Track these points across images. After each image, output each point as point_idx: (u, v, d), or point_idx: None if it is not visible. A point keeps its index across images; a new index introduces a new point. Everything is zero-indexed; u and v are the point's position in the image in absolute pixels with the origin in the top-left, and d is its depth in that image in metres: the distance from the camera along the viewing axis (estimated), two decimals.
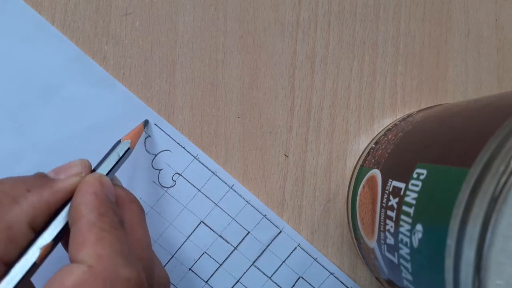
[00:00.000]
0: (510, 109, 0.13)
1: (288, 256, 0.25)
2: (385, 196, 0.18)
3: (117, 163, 0.21)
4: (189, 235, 0.25)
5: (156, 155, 0.25)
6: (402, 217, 0.16)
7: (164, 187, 0.25)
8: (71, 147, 0.25)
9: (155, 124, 0.25)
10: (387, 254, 0.18)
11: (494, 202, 0.12)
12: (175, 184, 0.25)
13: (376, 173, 0.20)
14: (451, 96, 0.26)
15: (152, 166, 0.25)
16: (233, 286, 0.25)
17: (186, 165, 0.25)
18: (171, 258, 0.25)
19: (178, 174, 0.25)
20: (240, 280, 0.25)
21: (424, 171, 0.16)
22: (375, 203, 0.19)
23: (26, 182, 0.18)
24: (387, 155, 0.20)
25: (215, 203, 0.25)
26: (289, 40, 0.26)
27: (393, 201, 0.17)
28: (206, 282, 0.25)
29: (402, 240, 0.16)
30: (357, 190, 0.23)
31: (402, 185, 0.17)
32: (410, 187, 0.16)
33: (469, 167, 0.13)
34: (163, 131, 0.25)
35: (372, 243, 0.20)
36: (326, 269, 0.25)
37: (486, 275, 0.11)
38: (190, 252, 0.25)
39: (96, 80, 0.25)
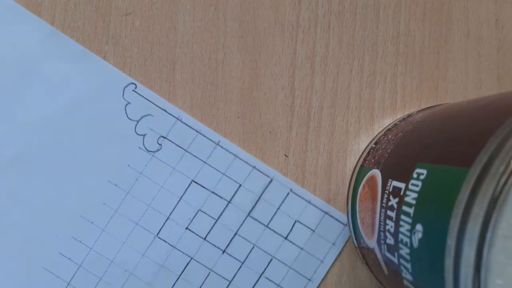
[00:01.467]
0: (510, 109, 0.13)
1: (282, 203, 0.25)
2: (385, 196, 0.18)
3: None
4: (182, 195, 0.25)
5: (138, 121, 0.25)
6: (402, 217, 0.16)
7: (150, 151, 0.25)
8: (57, 125, 0.25)
9: (133, 91, 0.25)
10: (387, 254, 0.18)
11: (494, 202, 0.12)
12: (161, 148, 0.25)
13: (376, 173, 0.20)
14: (451, 96, 0.26)
15: (136, 132, 0.25)
16: (232, 239, 0.25)
17: (170, 127, 0.25)
18: (166, 220, 0.25)
19: (163, 137, 0.25)
20: (238, 232, 0.25)
21: (424, 171, 0.16)
22: (375, 203, 0.19)
23: None
24: (387, 155, 0.20)
25: (203, 161, 0.25)
26: (289, 40, 0.26)
27: (393, 201, 0.17)
28: (204, 239, 0.25)
29: (402, 240, 0.16)
30: (357, 190, 0.23)
31: (402, 185, 0.17)
32: (410, 187, 0.16)
33: (469, 167, 0.13)
34: (142, 96, 0.25)
35: (372, 243, 0.20)
36: (320, 209, 0.25)
37: (486, 275, 0.11)
38: (185, 211, 0.25)
39: (72, 55, 0.25)
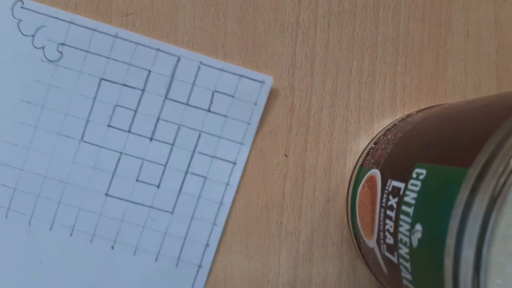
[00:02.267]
0: (510, 109, 0.13)
1: (195, 77, 0.25)
2: (384, 196, 0.18)
3: None
4: (95, 96, 0.25)
5: (34, 35, 0.25)
6: (402, 217, 0.16)
7: (53, 61, 0.25)
8: None
9: (21, 8, 0.25)
10: (387, 254, 0.18)
11: (493, 202, 0.12)
12: (62, 55, 0.25)
13: (376, 173, 0.20)
14: (450, 96, 0.26)
15: (34, 46, 0.25)
16: (156, 125, 0.25)
17: (65, 32, 0.25)
18: (86, 123, 0.25)
19: (62, 44, 0.25)
20: (160, 117, 0.25)
21: (424, 171, 0.16)
22: (375, 203, 0.19)
23: None
24: (386, 155, 0.20)
25: (106, 57, 0.25)
26: (289, 40, 0.26)
27: (393, 201, 0.17)
28: (129, 131, 0.25)
29: (401, 239, 0.16)
30: (357, 190, 0.23)
31: (401, 185, 0.17)
32: (410, 187, 0.16)
33: (468, 167, 0.13)
34: (31, 10, 0.25)
35: (372, 243, 0.20)
36: (234, 73, 0.25)
37: (486, 275, 0.12)
38: (102, 110, 0.25)
39: None
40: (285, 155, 0.26)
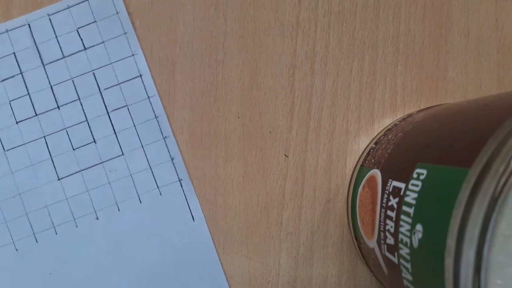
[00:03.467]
0: (510, 109, 0.13)
1: (53, 30, 0.25)
2: (385, 196, 0.18)
3: None
4: (10, 99, 0.26)
5: None
6: (402, 217, 0.16)
7: None
8: None
9: None
10: (387, 254, 0.18)
11: (494, 202, 0.12)
12: None
13: (376, 173, 0.20)
14: (451, 96, 0.26)
15: None
16: (53, 92, 0.25)
17: None
18: None
19: None
20: (51, 84, 0.25)
21: (424, 171, 0.16)
22: (375, 203, 0.19)
23: None
24: (387, 155, 0.20)
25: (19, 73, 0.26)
26: (289, 40, 0.26)
27: (393, 201, 0.17)
28: (36, 114, 0.25)
29: (402, 240, 0.16)
30: (357, 190, 0.23)
31: (402, 185, 0.17)
32: (410, 187, 0.16)
33: (469, 167, 0.13)
34: None
35: (372, 243, 0.20)
36: (80, 2, 0.25)
37: (486, 275, 0.12)
38: (1, 114, 0.26)
39: None
40: (285, 155, 0.26)
